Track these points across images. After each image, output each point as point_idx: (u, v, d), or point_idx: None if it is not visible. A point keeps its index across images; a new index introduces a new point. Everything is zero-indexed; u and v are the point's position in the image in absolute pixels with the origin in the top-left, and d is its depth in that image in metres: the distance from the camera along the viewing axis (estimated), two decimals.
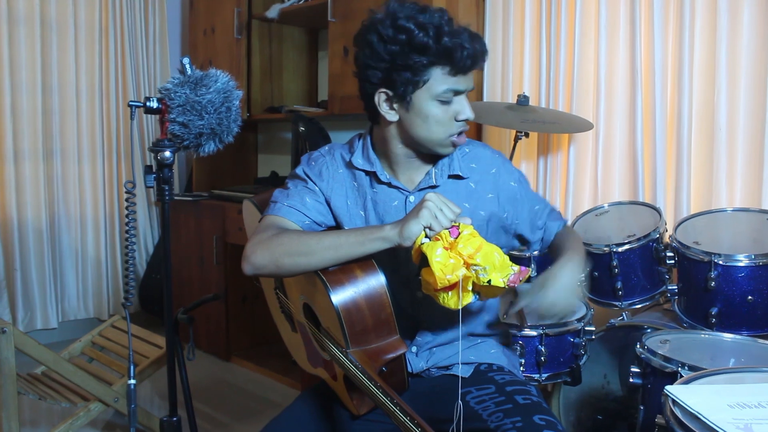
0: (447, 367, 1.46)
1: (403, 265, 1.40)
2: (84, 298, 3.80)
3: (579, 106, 2.56)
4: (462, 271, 1.15)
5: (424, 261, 1.19)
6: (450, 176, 1.44)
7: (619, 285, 2.08)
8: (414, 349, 1.46)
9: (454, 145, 1.40)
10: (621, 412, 2.17)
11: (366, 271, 1.32)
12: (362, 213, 1.46)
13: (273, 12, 3.26)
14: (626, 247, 2.05)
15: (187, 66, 1.08)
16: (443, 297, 1.20)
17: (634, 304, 2.12)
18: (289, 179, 1.52)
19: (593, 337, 1.97)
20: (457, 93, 1.35)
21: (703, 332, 1.74)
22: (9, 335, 2.09)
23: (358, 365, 1.26)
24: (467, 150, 1.48)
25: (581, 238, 1.61)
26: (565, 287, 1.34)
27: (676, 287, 1.97)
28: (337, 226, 1.48)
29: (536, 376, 1.88)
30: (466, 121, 1.38)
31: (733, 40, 2.23)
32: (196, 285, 3.50)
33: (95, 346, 2.73)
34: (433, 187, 1.42)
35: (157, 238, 4.01)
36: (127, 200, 1.10)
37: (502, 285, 1.16)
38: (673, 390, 1.13)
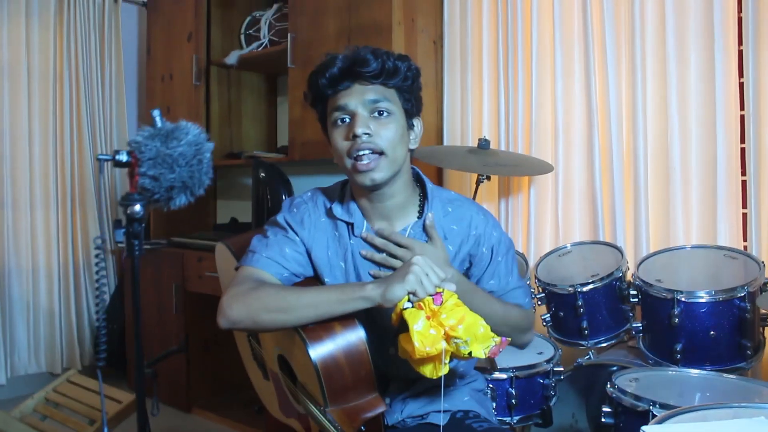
0: (422, 416, 1.44)
1: (379, 321, 1.37)
2: (36, 352, 3.65)
3: (538, 149, 2.61)
4: (443, 344, 1.13)
5: (403, 325, 1.17)
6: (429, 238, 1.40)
7: (584, 324, 2.11)
8: (387, 400, 1.43)
9: (358, 171, 1.33)
10: None
11: (346, 327, 1.29)
12: (342, 264, 1.43)
13: (232, 58, 3.27)
14: (590, 286, 2.09)
15: (158, 118, 1.06)
16: (419, 366, 1.18)
17: (600, 342, 2.15)
18: (268, 226, 1.48)
19: (562, 377, 1.98)
20: (343, 110, 1.34)
21: (670, 369, 1.77)
22: None
23: (336, 425, 1.23)
24: (450, 210, 1.45)
25: (522, 328, 1.52)
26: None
27: (640, 325, 2.00)
28: (316, 276, 1.45)
29: (508, 419, 1.87)
30: (364, 139, 1.31)
31: (682, 83, 2.32)
32: (156, 335, 3.40)
33: (49, 403, 2.61)
34: None
35: (113, 287, 3.90)
36: (96, 256, 1.06)
37: (483, 357, 1.15)
38: (650, 430, 1.14)
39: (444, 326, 1.14)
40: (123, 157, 1.02)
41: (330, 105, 1.37)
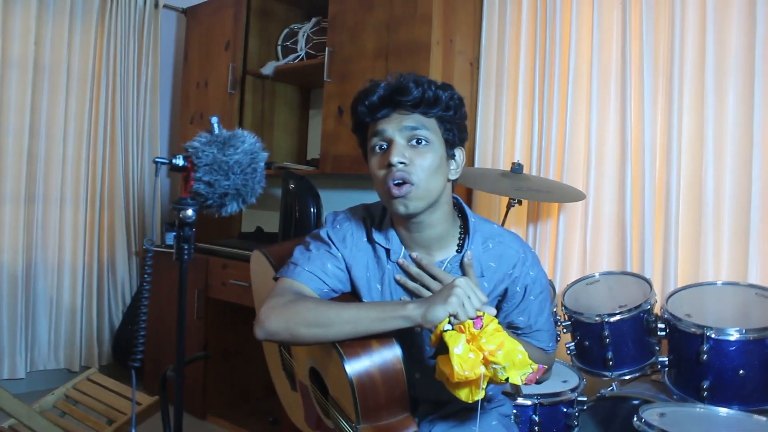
0: None
1: (410, 343, 1.37)
2: (55, 348, 3.68)
3: (570, 176, 2.61)
4: (481, 369, 1.13)
5: (441, 347, 1.17)
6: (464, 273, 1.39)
7: (609, 355, 2.09)
8: (416, 420, 1.43)
9: (392, 197, 1.32)
10: None
11: (383, 344, 1.29)
12: (379, 287, 1.43)
13: (268, 69, 3.31)
14: (618, 317, 2.07)
15: (216, 125, 1.08)
16: (455, 389, 1.17)
17: (624, 374, 2.13)
18: (311, 239, 1.48)
19: (585, 407, 1.96)
20: (380, 137, 1.34)
21: (698, 405, 1.75)
22: None
23: None
24: (490, 246, 1.43)
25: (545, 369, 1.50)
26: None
27: (666, 359, 1.98)
28: (354, 293, 1.45)
29: None
30: (399, 168, 1.31)
31: (720, 117, 2.30)
32: (173, 340, 3.42)
33: (69, 400, 2.63)
34: None
35: (135, 288, 3.94)
36: (146, 258, 1.08)
37: (519, 383, 1.15)
38: None
39: (483, 351, 1.14)
40: (179, 162, 1.03)
41: (369, 132, 1.38)
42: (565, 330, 2.19)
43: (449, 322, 1.18)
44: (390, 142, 1.33)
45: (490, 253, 1.42)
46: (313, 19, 3.31)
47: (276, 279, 1.45)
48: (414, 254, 1.41)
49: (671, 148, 2.36)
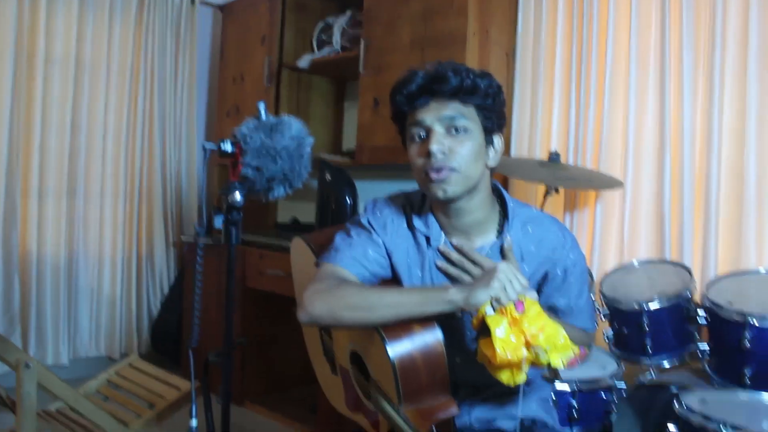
0: (489, 421, 1.44)
1: (451, 328, 1.38)
2: (96, 337, 3.79)
3: (607, 164, 2.59)
4: (523, 352, 1.14)
5: (483, 330, 1.18)
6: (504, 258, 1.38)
7: (648, 342, 2.07)
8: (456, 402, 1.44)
9: (431, 181, 1.33)
10: None
11: (425, 327, 1.30)
12: (420, 273, 1.44)
13: (304, 62, 3.34)
14: (657, 305, 2.06)
15: (263, 111, 1.10)
16: (497, 371, 1.18)
17: (662, 361, 2.11)
18: (352, 226, 1.50)
19: (624, 394, 1.95)
20: (419, 126, 1.34)
21: (740, 392, 1.73)
22: (33, 370, 2.06)
23: (409, 424, 1.24)
24: (529, 230, 1.43)
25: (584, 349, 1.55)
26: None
27: (707, 346, 1.96)
28: (394, 279, 1.46)
29: (568, 431, 1.85)
30: (439, 158, 1.31)
31: (762, 103, 2.27)
32: (215, 328, 3.48)
33: (111, 385, 2.69)
34: None
35: (173, 278, 4.01)
36: (195, 242, 1.11)
37: (561, 367, 1.16)
38: None
39: (525, 334, 1.15)
40: (228, 147, 1.06)
41: (408, 120, 1.38)
42: (603, 318, 2.18)
43: (491, 306, 1.19)
44: (429, 131, 1.34)
45: (530, 237, 1.42)
46: (348, 12, 3.33)
47: (318, 265, 1.47)
48: (454, 241, 1.42)
49: (712, 136, 2.33)
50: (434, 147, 1.31)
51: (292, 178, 1.09)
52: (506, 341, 1.14)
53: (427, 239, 1.43)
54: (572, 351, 1.16)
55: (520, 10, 2.89)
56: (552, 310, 1.46)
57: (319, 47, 3.43)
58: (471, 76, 1.34)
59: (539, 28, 2.83)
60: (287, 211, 3.96)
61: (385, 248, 1.45)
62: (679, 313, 2.08)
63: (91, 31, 3.63)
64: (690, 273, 2.17)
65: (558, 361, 1.15)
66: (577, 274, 1.46)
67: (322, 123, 3.74)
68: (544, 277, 1.44)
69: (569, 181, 2.42)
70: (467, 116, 1.34)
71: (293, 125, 1.10)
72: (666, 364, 2.11)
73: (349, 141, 3.69)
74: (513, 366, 1.15)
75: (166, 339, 3.81)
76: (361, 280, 1.42)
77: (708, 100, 2.35)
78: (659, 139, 2.48)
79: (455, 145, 1.33)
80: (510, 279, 1.20)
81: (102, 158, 3.73)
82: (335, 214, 3.00)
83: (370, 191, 3.43)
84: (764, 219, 2.27)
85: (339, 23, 3.33)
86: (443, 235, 1.43)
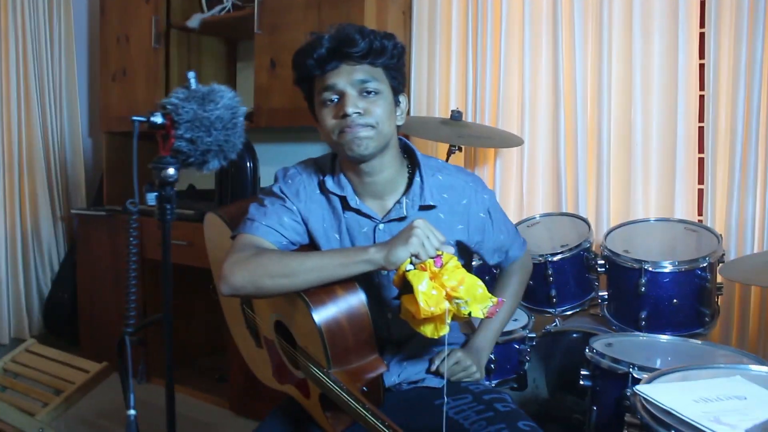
0: (416, 382, 1.49)
1: (378, 285, 1.41)
2: None
3: (505, 122, 2.67)
4: (446, 305, 1.17)
5: (405, 287, 1.20)
6: (421, 207, 1.44)
7: (553, 293, 2.20)
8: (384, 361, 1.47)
9: (346, 140, 1.35)
10: (550, 413, 2.27)
11: (347, 290, 1.32)
12: (337, 236, 1.46)
13: (194, 22, 3.19)
14: (560, 256, 2.17)
15: (193, 81, 1.05)
16: (420, 326, 1.21)
17: (566, 310, 2.25)
18: (264, 196, 1.49)
19: (534, 343, 2.06)
20: (331, 90, 1.36)
21: (640, 335, 1.87)
22: None
23: (340, 385, 1.25)
24: (440, 177, 1.48)
25: (528, 275, 1.75)
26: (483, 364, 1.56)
27: (605, 293, 2.10)
28: (312, 245, 1.47)
29: (486, 383, 1.94)
30: (354, 118, 1.33)
31: (646, 62, 2.40)
32: (112, 305, 3.34)
33: (8, 374, 2.53)
34: (402, 218, 1.42)
35: (63, 254, 3.79)
36: (130, 220, 1.05)
37: (482, 317, 1.20)
38: (644, 390, 1.21)
39: (446, 287, 1.17)
40: (158, 119, 1.01)
41: (318, 85, 1.39)
42: None
43: (411, 263, 1.22)
44: (342, 95, 1.35)
45: (441, 185, 1.47)
46: None
47: (234, 237, 1.45)
48: (367, 203, 1.45)
49: (602, 93, 2.45)
50: (350, 109, 1.33)
51: (227, 149, 1.05)
52: (428, 295, 1.16)
53: (342, 200, 1.45)
54: (490, 301, 1.21)
55: None
56: (496, 250, 1.57)
57: (209, 6, 3.27)
58: (378, 38, 1.37)
59: None
60: (182, 178, 3.79)
61: (300, 215, 1.45)
62: (580, 263, 2.20)
63: None
64: (588, 224, 2.30)
65: (479, 312, 1.19)
66: (498, 209, 1.56)
67: None
68: (471, 230, 1.50)
69: (472, 138, 2.47)
70: (377, 78, 1.37)
71: (225, 94, 1.05)
72: (569, 312, 2.25)
73: (244, 103, 3.55)
74: (436, 319, 1.19)
75: (59, 318, 3.62)
76: (278, 247, 1.41)
77: (597, 60, 2.46)
78: (554, 97, 2.57)
79: (369, 106, 1.35)
80: (427, 235, 1.23)
81: None
82: (235, 178, 2.93)
83: (270, 154, 3.36)
84: (650, 171, 2.43)
85: None
86: (356, 197, 1.44)
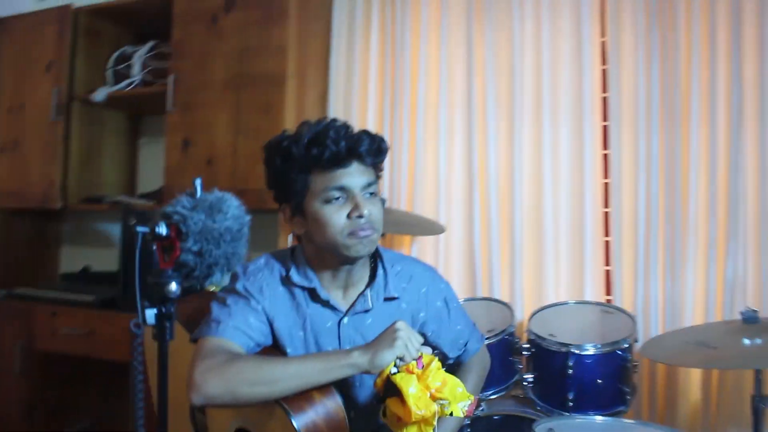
0: None
1: (345, 381, 1.37)
2: None
3: (422, 207, 2.70)
4: (435, 406, 1.17)
5: (388, 390, 1.19)
6: (386, 299, 1.45)
7: None
8: None
9: (359, 240, 1.35)
10: None
11: (324, 394, 1.28)
12: (301, 333, 1.42)
13: (100, 95, 3.04)
14: (486, 342, 2.18)
15: (199, 188, 0.97)
16: (407, 428, 1.19)
17: (491, 395, 2.25)
18: (226, 294, 1.41)
19: (469, 430, 2.05)
20: (341, 189, 1.36)
21: (576, 417, 1.90)
22: None
23: None
24: (399, 268, 1.50)
25: (486, 370, 1.78)
26: None
27: (531, 376, 2.14)
28: (274, 346, 1.41)
29: None
30: (366, 219, 1.35)
31: (556, 151, 2.55)
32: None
33: None
34: (367, 311, 1.42)
35: None
36: (134, 341, 0.94)
37: (462, 416, 1.20)
38: None
39: (430, 388, 1.18)
40: (162, 230, 0.92)
41: (322, 181, 1.36)
42: None
43: (395, 365, 1.21)
44: (352, 196, 1.36)
45: (400, 276, 1.49)
46: (150, 43, 3.11)
47: (196, 341, 1.37)
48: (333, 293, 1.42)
49: (513, 180, 2.56)
50: (366, 211, 1.34)
51: (233, 261, 0.98)
52: (418, 398, 1.16)
53: (311, 292, 1.42)
54: (469, 399, 1.21)
55: (333, 53, 2.87)
56: (454, 342, 1.57)
57: (116, 79, 3.14)
58: (377, 139, 1.40)
59: (351, 72, 2.85)
60: (75, 259, 3.51)
61: (266, 314, 1.40)
62: (504, 347, 2.23)
63: None
64: (510, 308, 2.35)
65: (459, 411, 1.19)
66: (454, 298, 1.59)
67: (115, 162, 3.41)
68: (428, 319, 1.51)
69: (391, 226, 2.47)
70: (375, 179, 1.42)
71: (232, 202, 0.99)
72: (493, 396, 2.26)
73: (147, 182, 3.40)
74: (422, 422, 1.18)
75: None
76: (246, 350, 1.35)
77: (509, 146, 2.58)
78: (468, 183, 2.66)
79: (372, 207, 1.38)
80: (409, 336, 1.24)
81: None
82: (143, 261, 2.76)
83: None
84: (560, 254, 2.54)
85: (139, 54, 3.09)
86: (323, 289, 1.42)
